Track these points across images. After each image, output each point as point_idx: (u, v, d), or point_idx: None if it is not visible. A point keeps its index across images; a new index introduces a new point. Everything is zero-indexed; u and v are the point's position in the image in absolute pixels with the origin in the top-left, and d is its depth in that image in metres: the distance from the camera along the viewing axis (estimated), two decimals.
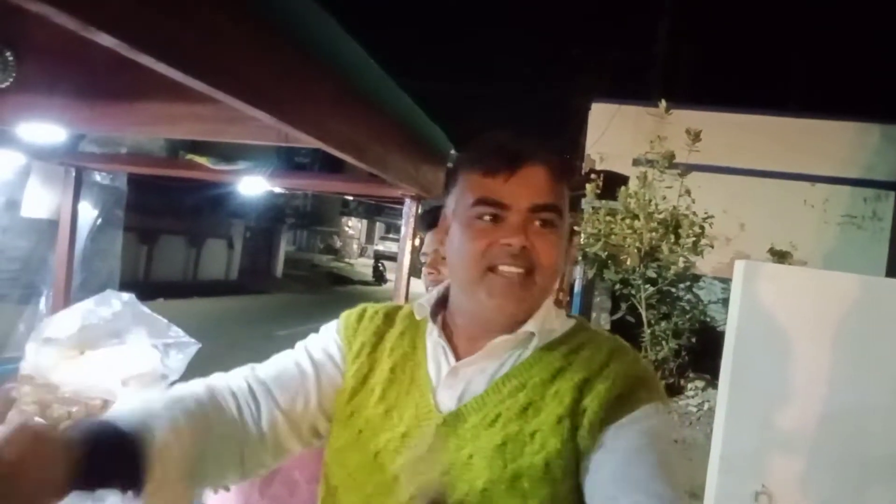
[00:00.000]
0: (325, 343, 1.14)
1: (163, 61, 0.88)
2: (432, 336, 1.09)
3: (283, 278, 23.63)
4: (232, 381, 1.06)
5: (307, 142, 1.42)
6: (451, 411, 1.01)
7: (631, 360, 1.03)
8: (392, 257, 29.68)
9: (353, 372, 1.10)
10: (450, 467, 0.96)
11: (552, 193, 1.02)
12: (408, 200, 2.37)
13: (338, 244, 34.17)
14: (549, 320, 1.06)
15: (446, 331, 1.09)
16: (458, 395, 1.02)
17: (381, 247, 34.67)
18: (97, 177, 2.85)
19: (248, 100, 1.10)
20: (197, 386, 1.03)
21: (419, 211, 2.39)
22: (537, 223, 1.00)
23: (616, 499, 0.88)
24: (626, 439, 0.94)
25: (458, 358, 1.05)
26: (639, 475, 0.90)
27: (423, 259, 2.08)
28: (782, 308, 2.66)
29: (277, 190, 2.89)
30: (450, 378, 1.04)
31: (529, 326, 1.02)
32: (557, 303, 1.13)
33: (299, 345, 1.15)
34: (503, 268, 0.99)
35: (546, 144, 1.07)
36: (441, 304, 1.12)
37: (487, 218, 1.00)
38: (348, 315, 1.17)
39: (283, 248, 25.25)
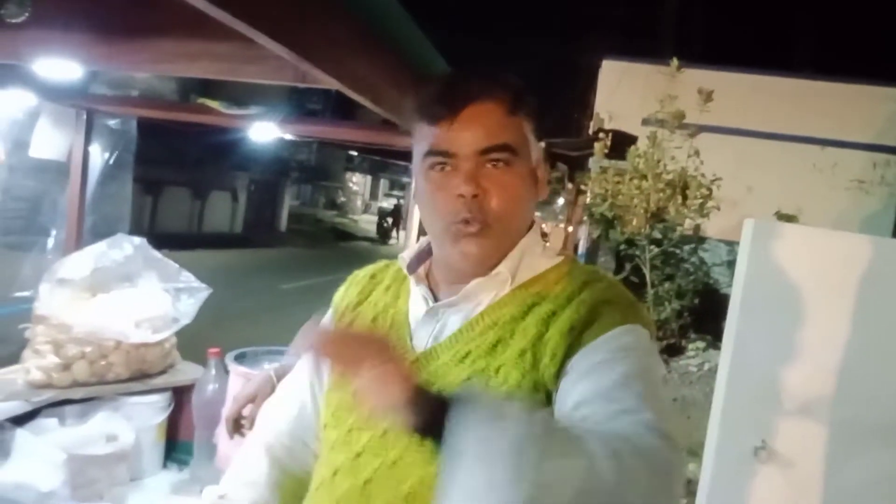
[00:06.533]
0: None
1: None
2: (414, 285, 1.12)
3: (288, 232, 23.65)
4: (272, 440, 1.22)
5: (325, 82, 1.40)
6: (424, 349, 1.03)
7: (603, 286, 1.01)
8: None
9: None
10: None
11: (501, 131, 0.98)
12: None
13: (341, 199, 34.11)
14: (530, 259, 1.04)
15: (430, 279, 1.12)
16: (434, 334, 1.05)
17: (385, 203, 34.56)
18: (107, 121, 2.83)
19: (271, 34, 1.09)
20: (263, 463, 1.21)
21: None
22: (489, 165, 0.98)
23: (571, 413, 0.86)
24: (593, 356, 0.91)
25: (437, 301, 1.08)
26: (601, 385, 0.86)
27: None
28: (790, 267, 2.65)
29: (287, 137, 2.87)
30: (427, 318, 1.06)
31: (501, 268, 1.02)
32: None
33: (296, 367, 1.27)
34: (460, 226, 0.98)
35: (495, 78, 1.01)
36: (427, 254, 1.14)
37: (439, 168, 0.99)
38: (336, 292, 1.24)
39: (288, 202, 25.20)
